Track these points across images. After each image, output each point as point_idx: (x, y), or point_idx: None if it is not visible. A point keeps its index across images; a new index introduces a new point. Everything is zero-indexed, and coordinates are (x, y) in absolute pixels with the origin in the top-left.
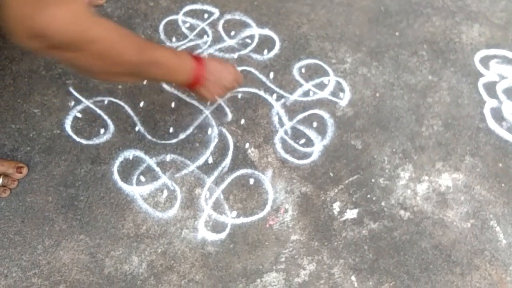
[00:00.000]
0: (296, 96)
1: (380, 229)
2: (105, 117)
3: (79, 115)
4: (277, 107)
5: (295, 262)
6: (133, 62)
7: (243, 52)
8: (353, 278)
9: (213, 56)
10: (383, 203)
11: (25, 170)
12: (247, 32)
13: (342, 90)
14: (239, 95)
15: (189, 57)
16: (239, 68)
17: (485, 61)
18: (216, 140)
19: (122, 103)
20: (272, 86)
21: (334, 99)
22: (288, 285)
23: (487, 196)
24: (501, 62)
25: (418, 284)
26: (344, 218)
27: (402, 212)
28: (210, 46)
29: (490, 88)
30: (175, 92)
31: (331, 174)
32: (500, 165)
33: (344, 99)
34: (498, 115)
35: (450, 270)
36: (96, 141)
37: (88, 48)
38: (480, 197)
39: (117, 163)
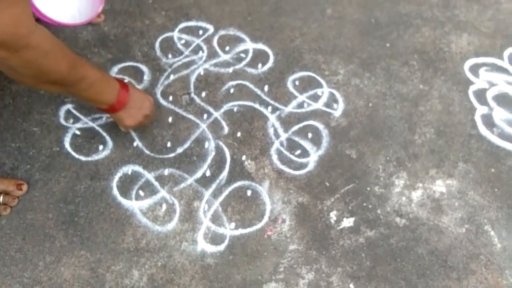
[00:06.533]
0: (290, 108)
1: (377, 237)
2: (104, 134)
3: (77, 132)
4: (273, 119)
5: (294, 272)
6: (63, 74)
7: (238, 66)
8: (351, 286)
9: (208, 70)
10: (379, 211)
11: (25, 187)
12: (241, 47)
13: (336, 101)
14: (235, 109)
15: (115, 81)
16: (235, 82)
17: (474, 69)
18: (213, 153)
19: None
20: (267, 98)
21: (328, 110)
22: None
23: (481, 201)
24: (490, 70)
25: None
26: (341, 227)
27: (398, 219)
28: (205, 61)
29: (480, 95)
30: (172, 107)
31: (327, 184)
32: (493, 170)
33: (338, 110)
34: (489, 122)
35: (447, 275)
36: (95, 157)
37: (23, 52)
38: (474, 202)
39: (116, 178)
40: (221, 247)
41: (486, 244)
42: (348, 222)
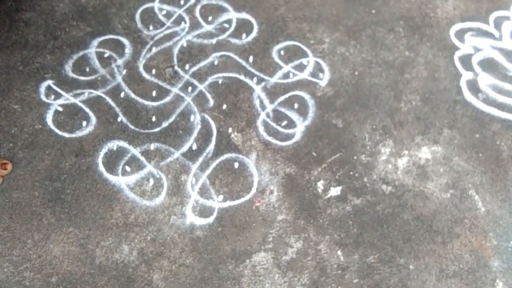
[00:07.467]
0: (276, 78)
1: (364, 204)
2: (87, 110)
3: (59, 108)
4: (258, 91)
5: (283, 241)
6: None
7: (221, 37)
8: (339, 252)
9: (191, 42)
10: (365, 179)
11: (9, 167)
12: (224, 17)
13: (322, 70)
14: (220, 81)
15: None
16: (219, 54)
17: (460, 34)
18: (199, 126)
19: (102, 95)
20: (252, 70)
21: (314, 79)
22: (276, 264)
23: (465, 166)
24: (475, 35)
25: (401, 255)
26: (328, 196)
27: (384, 186)
28: (188, 32)
29: (466, 61)
30: (155, 80)
31: (314, 154)
32: (477, 135)
33: (323, 79)
34: (474, 87)
35: (432, 239)
36: (79, 134)
37: None
38: (458, 167)
39: (101, 154)
40: (210, 219)
41: (470, 208)
42: (335, 191)
